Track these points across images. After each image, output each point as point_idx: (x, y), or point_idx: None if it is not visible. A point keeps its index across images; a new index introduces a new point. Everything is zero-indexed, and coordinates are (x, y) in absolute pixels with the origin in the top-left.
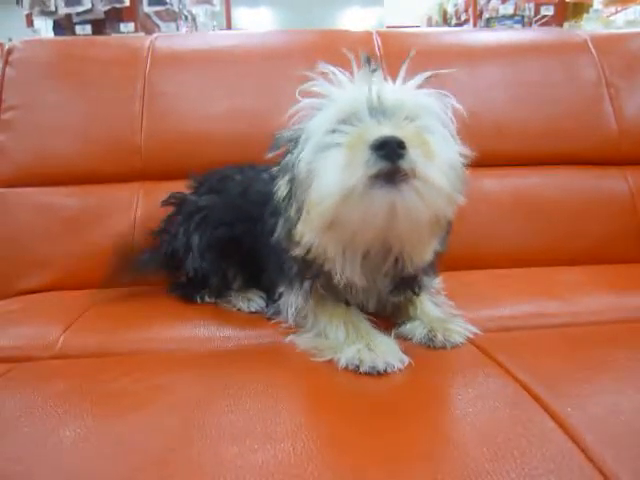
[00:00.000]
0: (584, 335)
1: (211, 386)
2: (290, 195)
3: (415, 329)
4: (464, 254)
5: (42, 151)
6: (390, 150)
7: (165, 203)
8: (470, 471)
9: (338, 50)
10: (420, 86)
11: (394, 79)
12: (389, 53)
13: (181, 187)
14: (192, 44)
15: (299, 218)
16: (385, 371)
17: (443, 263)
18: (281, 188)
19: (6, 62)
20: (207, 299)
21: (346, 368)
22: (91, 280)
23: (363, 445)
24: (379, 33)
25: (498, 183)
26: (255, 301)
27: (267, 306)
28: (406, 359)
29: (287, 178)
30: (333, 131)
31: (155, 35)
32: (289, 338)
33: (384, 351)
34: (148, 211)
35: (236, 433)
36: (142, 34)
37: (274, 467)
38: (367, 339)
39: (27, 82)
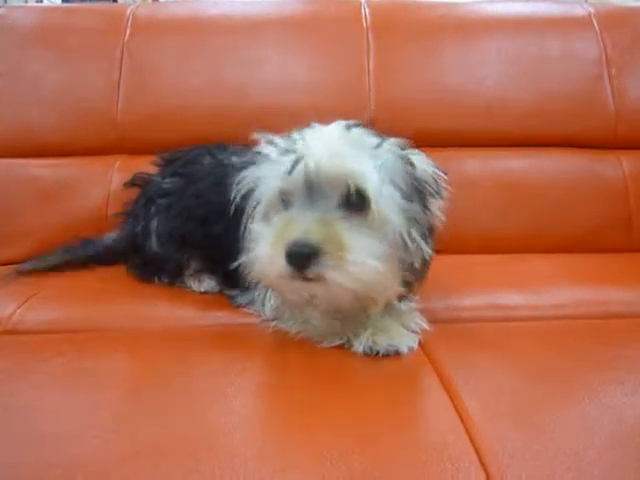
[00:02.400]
0: (535, 331)
1: (163, 365)
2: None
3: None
4: (443, 237)
5: (18, 121)
6: (298, 261)
7: (129, 184)
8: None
9: (323, 21)
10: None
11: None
12: (377, 25)
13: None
14: (174, 13)
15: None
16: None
17: None
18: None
19: None
20: (164, 280)
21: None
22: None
23: (309, 423)
24: (368, 3)
25: (483, 165)
26: (206, 282)
27: (221, 290)
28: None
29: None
30: (276, 199)
31: (137, 3)
32: (273, 324)
33: (395, 333)
34: (122, 186)
35: (185, 411)
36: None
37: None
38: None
39: (7, 50)
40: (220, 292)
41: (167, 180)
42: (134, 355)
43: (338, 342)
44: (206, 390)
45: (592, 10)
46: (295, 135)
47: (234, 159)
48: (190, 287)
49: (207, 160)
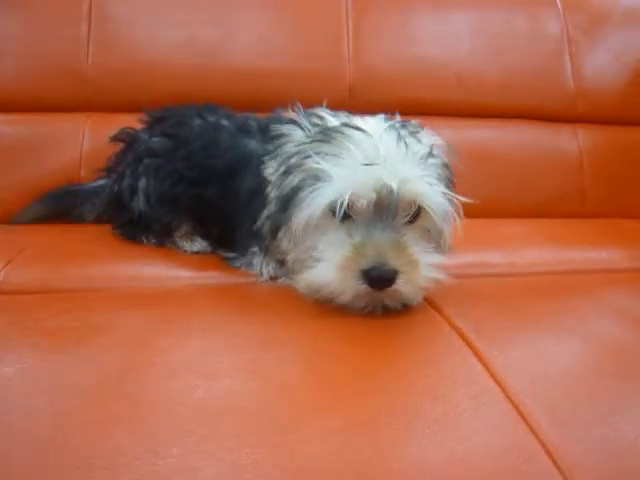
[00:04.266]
0: (519, 285)
1: (155, 325)
2: (277, 208)
3: None
4: None
5: None
6: (379, 283)
7: (114, 139)
8: (400, 406)
9: None
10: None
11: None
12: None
13: (132, 121)
14: None
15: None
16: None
17: None
18: (270, 172)
19: None
20: (152, 240)
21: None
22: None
23: (301, 384)
24: None
25: (456, 134)
26: (198, 241)
27: (214, 250)
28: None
29: (276, 194)
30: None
31: None
32: (281, 280)
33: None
34: (96, 146)
35: (177, 370)
36: None
37: (213, 402)
38: None
39: None
40: (213, 252)
41: (155, 139)
42: (142, 313)
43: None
44: (220, 346)
45: None
46: (347, 135)
47: (225, 123)
48: (181, 247)
49: (197, 122)
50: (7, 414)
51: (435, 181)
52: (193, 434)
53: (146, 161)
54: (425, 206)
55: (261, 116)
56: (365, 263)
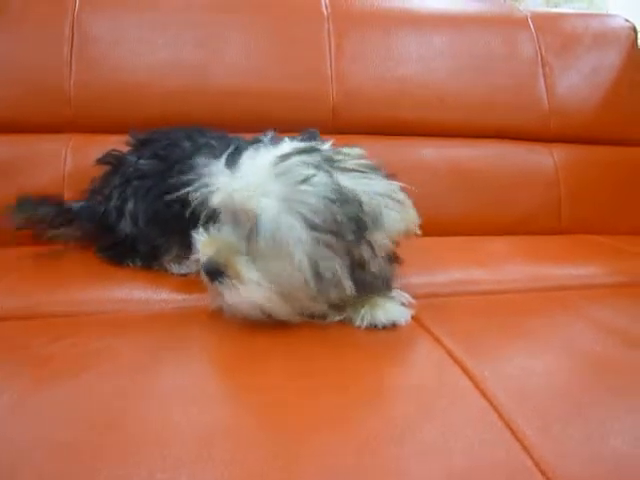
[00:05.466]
0: (504, 302)
1: (151, 350)
2: None
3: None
4: None
5: None
6: (208, 274)
7: (101, 161)
8: (398, 424)
9: (285, 6)
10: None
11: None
12: (337, 14)
13: (116, 142)
14: None
15: None
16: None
17: None
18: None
19: None
20: (137, 263)
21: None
22: (17, 236)
23: (298, 406)
24: None
25: (436, 153)
26: (186, 264)
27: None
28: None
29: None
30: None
31: None
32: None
33: (390, 307)
34: (79, 166)
35: (180, 396)
36: None
37: (212, 426)
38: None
39: None
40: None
41: (143, 162)
42: (135, 338)
43: (339, 318)
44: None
45: (529, 13)
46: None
47: (214, 143)
48: (169, 270)
49: (186, 144)
50: (2, 448)
51: (277, 201)
52: (199, 459)
53: (135, 183)
54: (257, 219)
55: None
56: (206, 252)
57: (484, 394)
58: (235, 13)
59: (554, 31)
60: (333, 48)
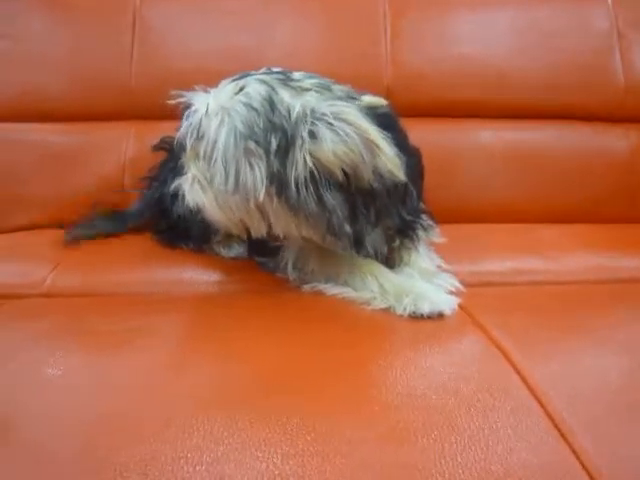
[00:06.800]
0: (561, 294)
1: (195, 328)
2: None
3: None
4: (454, 206)
5: (27, 85)
6: None
7: (156, 148)
8: (435, 419)
9: None
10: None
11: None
12: None
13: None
14: None
15: None
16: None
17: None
18: None
19: None
20: (190, 245)
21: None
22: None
23: (338, 396)
24: None
25: (494, 135)
26: (235, 247)
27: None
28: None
29: None
30: None
31: None
32: (311, 285)
33: (435, 296)
34: (139, 153)
35: (213, 375)
36: None
37: (260, 402)
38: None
39: (13, 11)
40: (249, 258)
41: None
42: (182, 317)
43: (383, 306)
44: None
45: None
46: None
47: None
48: (218, 253)
49: None
50: (52, 414)
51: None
52: (224, 441)
53: None
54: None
55: None
56: None
57: (533, 392)
58: None
59: (632, 3)
60: (389, 28)
